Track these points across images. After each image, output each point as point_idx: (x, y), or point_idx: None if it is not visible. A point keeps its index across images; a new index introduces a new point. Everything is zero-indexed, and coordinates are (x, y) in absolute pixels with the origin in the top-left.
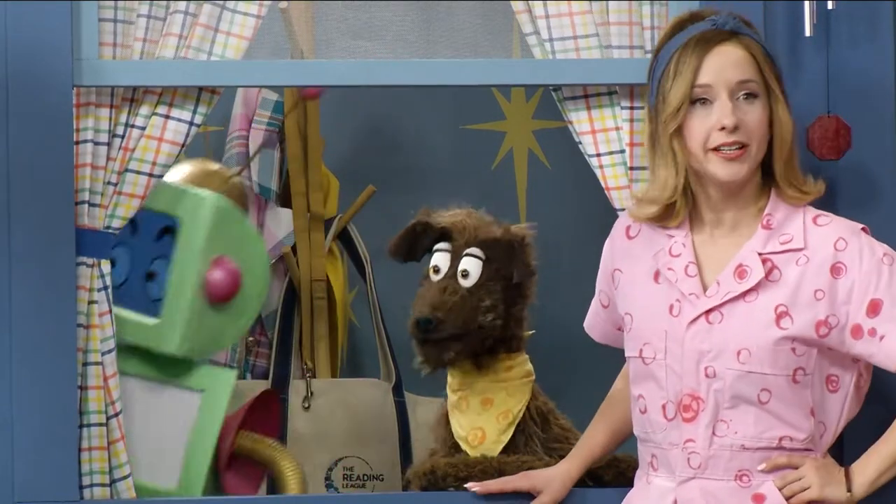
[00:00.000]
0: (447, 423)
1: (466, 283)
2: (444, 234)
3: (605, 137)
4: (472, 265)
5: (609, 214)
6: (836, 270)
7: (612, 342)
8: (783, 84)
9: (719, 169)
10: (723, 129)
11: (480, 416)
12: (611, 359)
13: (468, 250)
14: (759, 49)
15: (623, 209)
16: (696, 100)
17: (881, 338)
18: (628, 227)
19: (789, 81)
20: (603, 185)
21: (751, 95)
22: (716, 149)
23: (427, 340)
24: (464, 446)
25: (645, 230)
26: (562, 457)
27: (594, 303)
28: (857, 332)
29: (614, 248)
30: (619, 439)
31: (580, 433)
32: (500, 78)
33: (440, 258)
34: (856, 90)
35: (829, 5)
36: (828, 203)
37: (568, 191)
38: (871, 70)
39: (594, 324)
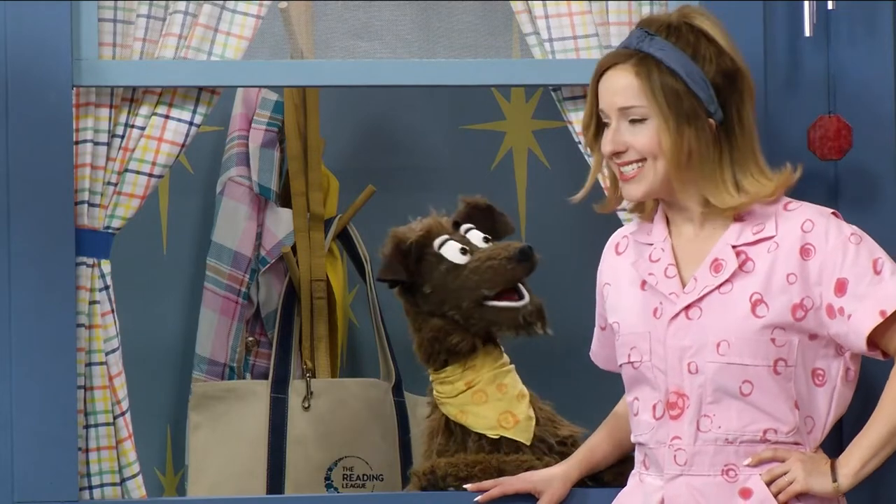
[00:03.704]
0: (443, 432)
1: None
2: (425, 239)
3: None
4: (478, 234)
5: (609, 215)
6: (805, 252)
7: (613, 367)
8: (687, 100)
9: (622, 190)
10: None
11: (502, 400)
12: None
13: (465, 226)
14: (653, 70)
15: (622, 209)
16: (605, 122)
17: (849, 316)
18: (617, 244)
19: (789, 81)
20: (602, 185)
21: (636, 121)
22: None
23: (529, 270)
24: (496, 433)
25: (632, 244)
26: (542, 441)
27: (595, 329)
28: (830, 311)
29: (604, 266)
30: (622, 450)
31: (561, 417)
32: (500, 78)
33: (457, 243)
34: (856, 90)
35: (829, 5)
36: (829, 203)
37: (568, 191)
38: (871, 70)
39: (596, 350)
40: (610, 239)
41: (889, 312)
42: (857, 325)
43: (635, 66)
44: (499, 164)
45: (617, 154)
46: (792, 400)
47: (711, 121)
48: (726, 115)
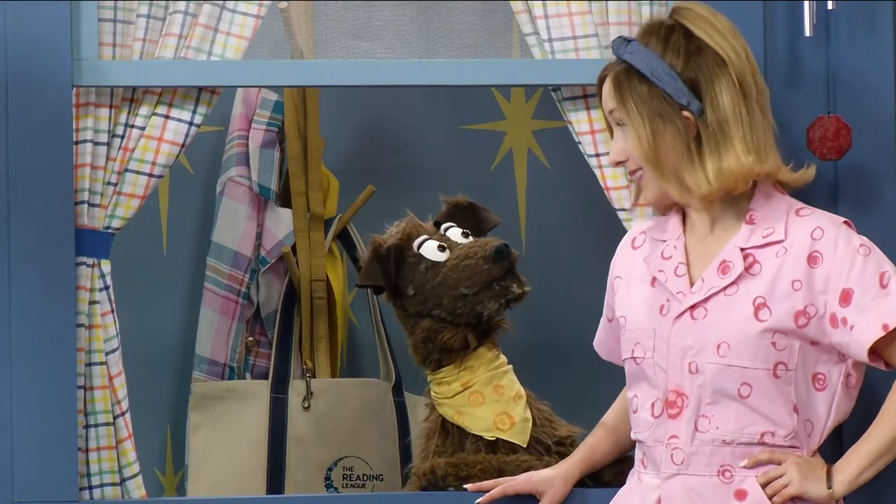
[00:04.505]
0: (440, 433)
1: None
2: (405, 242)
3: (605, 137)
4: (458, 231)
5: (609, 214)
6: (812, 260)
7: (616, 359)
8: (657, 100)
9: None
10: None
11: (499, 402)
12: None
13: (445, 225)
14: (623, 77)
15: (622, 209)
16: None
17: (851, 327)
18: (634, 239)
19: (789, 81)
20: (602, 185)
21: (619, 124)
22: None
23: (507, 269)
24: (492, 434)
25: (648, 240)
26: (539, 443)
27: (602, 319)
28: (833, 321)
29: (618, 259)
30: (620, 449)
31: (559, 418)
32: (500, 78)
33: (435, 241)
34: (856, 90)
35: (829, 5)
36: (829, 203)
37: (567, 191)
38: (870, 70)
39: (600, 340)
40: (628, 233)
41: (892, 326)
42: (860, 336)
43: (613, 76)
44: (499, 164)
45: (619, 164)
46: (791, 404)
47: (687, 113)
48: (703, 105)
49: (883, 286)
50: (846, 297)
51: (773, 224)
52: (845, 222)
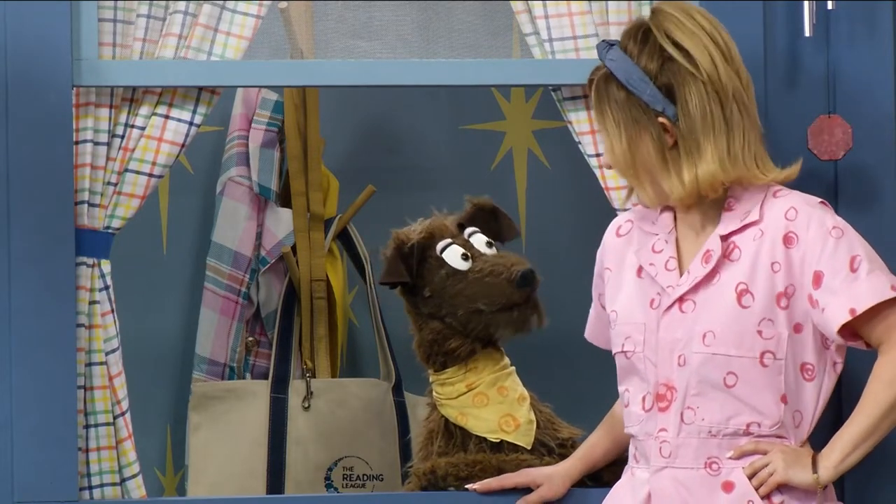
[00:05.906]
0: (442, 434)
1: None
2: (428, 241)
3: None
4: (482, 238)
5: (609, 214)
6: (788, 240)
7: (609, 346)
8: (634, 107)
9: None
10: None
11: (503, 403)
12: (609, 359)
13: (469, 229)
14: (601, 85)
15: (622, 209)
16: None
17: (823, 310)
18: (619, 227)
19: (789, 81)
20: (602, 185)
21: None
22: None
23: (528, 296)
24: (497, 436)
25: (635, 231)
26: (543, 445)
27: (592, 310)
28: (811, 301)
29: (605, 249)
30: (620, 448)
31: (560, 419)
32: (500, 78)
33: (459, 248)
34: (856, 90)
35: (829, 5)
36: (828, 202)
37: (567, 191)
38: (871, 70)
39: (595, 329)
40: (612, 222)
41: (859, 311)
42: (830, 318)
43: (595, 83)
44: (499, 164)
45: (611, 167)
46: (779, 394)
47: (662, 119)
48: (677, 110)
49: (853, 270)
50: (817, 280)
51: (750, 207)
52: (821, 202)
